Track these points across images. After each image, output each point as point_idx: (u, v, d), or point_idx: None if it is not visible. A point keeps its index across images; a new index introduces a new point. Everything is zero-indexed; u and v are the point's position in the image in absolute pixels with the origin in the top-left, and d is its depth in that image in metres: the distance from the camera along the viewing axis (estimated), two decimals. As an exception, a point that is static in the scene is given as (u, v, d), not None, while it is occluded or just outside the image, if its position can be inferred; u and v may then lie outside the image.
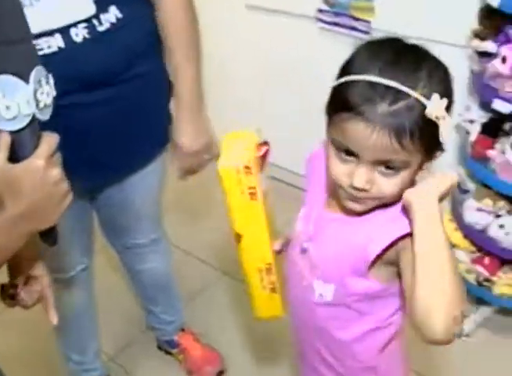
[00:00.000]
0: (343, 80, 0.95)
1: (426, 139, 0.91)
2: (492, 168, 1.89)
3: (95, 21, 1.33)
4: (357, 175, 0.95)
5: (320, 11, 2.44)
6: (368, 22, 2.31)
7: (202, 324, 2.21)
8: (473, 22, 1.97)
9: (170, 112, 1.58)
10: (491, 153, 1.90)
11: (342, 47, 2.39)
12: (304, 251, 1.12)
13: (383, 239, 0.97)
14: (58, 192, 0.89)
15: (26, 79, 0.83)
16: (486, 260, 2.03)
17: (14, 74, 0.81)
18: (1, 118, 0.83)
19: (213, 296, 2.40)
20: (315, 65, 2.59)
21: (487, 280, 2.05)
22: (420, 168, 0.97)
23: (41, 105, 0.86)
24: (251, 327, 2.21)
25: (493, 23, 1.85)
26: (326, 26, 2.45)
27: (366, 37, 2.33)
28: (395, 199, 0.98)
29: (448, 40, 2.02)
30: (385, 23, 2.26)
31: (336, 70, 2.69)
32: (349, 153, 0.95)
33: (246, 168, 1.02)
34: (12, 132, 0.85)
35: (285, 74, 2.71)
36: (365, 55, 0.96)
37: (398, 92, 0.89)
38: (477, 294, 2.12)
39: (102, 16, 1.34)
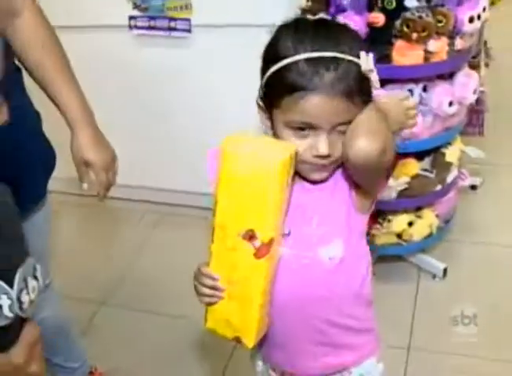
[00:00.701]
0: (280, 65, 1.03)
1: (365, 92, 1.03)
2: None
3: None
4: (320, 144, 1.03)
5: (133, 18, 2.44)
6: (187, 20, 2.36)
7: (104, 361, 2.11)
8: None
9: (47, 142, 1.55)
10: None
11: (163, 50, 2.49)
12: (288, 234, 1.13)
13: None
14: None
15: (10, 283, 0.87)
16: (362, 216, 2.21)
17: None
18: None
19: (100, 330, 2.30)
20: (135, 74, 2.58)
21: (366, 234, 2.23)
22: None
23: (25, 306, 0.89)
24: (154, 349, 2.17)
25: (320, -3, 2.01)
26: (142, 31, 2.45)
27: (189, 35, 2.39)
28: None
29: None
30: (205, 18, 2.34)
31: (159, 74, 2.70)
32: (305, 127, 1.03)
33: (296, 153, 1.01)
34: None
35: (105, 89, 2.66)
36: (287, 38, 1.04)
37: (335, 59, 1.00)
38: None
39: None
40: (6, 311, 0.87)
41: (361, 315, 1.24)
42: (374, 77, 1.04)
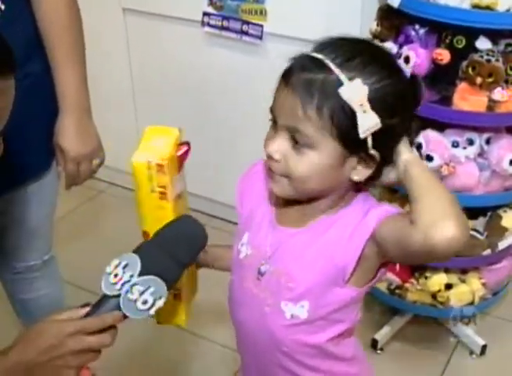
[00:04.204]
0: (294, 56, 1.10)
1: (337, 121, 1.03)
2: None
3: None
4: (271, 141, 1.10)
5: (206, 14, 2.62)
6: (260, 26, 2.51)
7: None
8: (365, 23, 2.25)
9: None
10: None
11: (232, 53, 2.65)
12: (262, 274, 1.21)
13: (354, 247, 1.10)
14: (63, 364, 1.04)
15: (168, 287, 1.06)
16: (397, 267, 2.26)
17: (165, 280, 1.05)
18: (134, 308, 1.04)
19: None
20: (202, 72, 2.76)
21: (399, 287, 2.28)
22: (341, 162, 1.08)
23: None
24: (148, 352, 2.31)
25: (392, 23, 2.10)
26: (214, 30, 2.63)
27: (259, 43, 2.54)
28: (314, 192, 1.13)
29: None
30: (278, 27, 2.48)
31: (225, 77, 2.87)
32: (274, 119, 1.11)
33: (159, 165, 1.12)
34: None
35: (167, 80, 2.87)
36: (324, 39, 1.10)
37: (324, 66, 1.03)
38: (389, 303, 2.35)
39: None
40: (157, 305, 1.05)
41: (328, 369, 1.26)
42: (363, 120, 1.02)
